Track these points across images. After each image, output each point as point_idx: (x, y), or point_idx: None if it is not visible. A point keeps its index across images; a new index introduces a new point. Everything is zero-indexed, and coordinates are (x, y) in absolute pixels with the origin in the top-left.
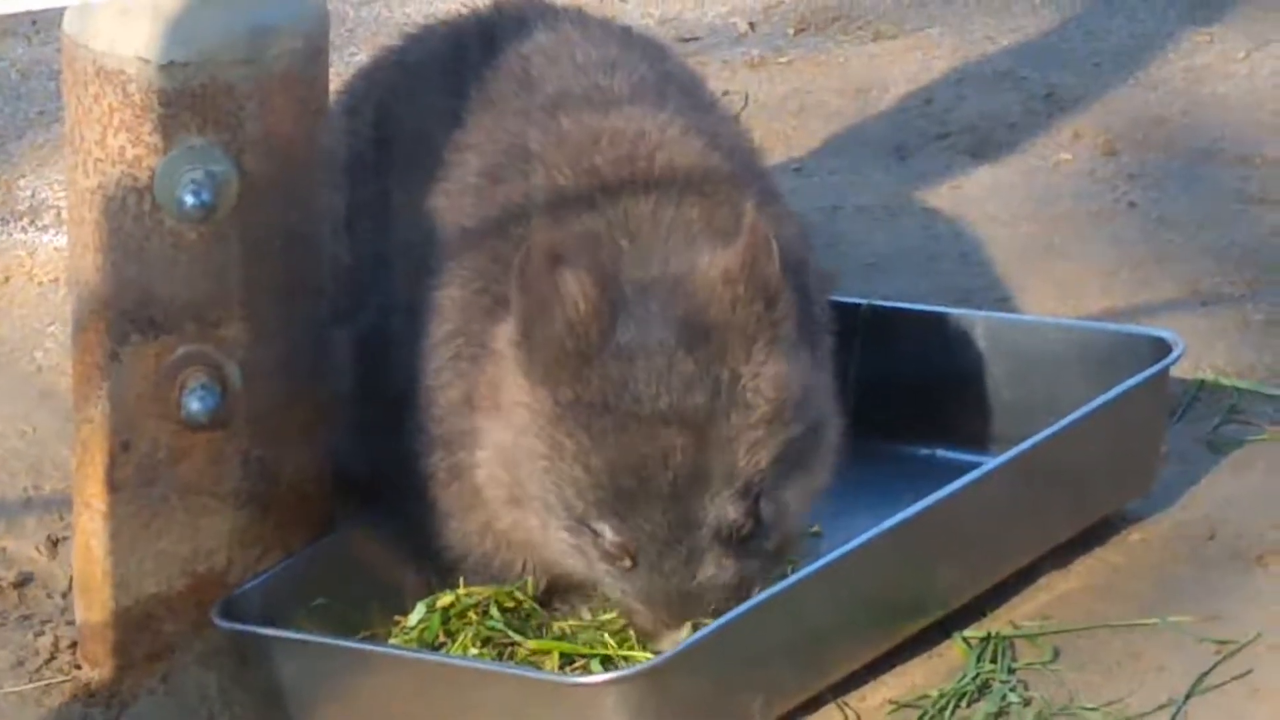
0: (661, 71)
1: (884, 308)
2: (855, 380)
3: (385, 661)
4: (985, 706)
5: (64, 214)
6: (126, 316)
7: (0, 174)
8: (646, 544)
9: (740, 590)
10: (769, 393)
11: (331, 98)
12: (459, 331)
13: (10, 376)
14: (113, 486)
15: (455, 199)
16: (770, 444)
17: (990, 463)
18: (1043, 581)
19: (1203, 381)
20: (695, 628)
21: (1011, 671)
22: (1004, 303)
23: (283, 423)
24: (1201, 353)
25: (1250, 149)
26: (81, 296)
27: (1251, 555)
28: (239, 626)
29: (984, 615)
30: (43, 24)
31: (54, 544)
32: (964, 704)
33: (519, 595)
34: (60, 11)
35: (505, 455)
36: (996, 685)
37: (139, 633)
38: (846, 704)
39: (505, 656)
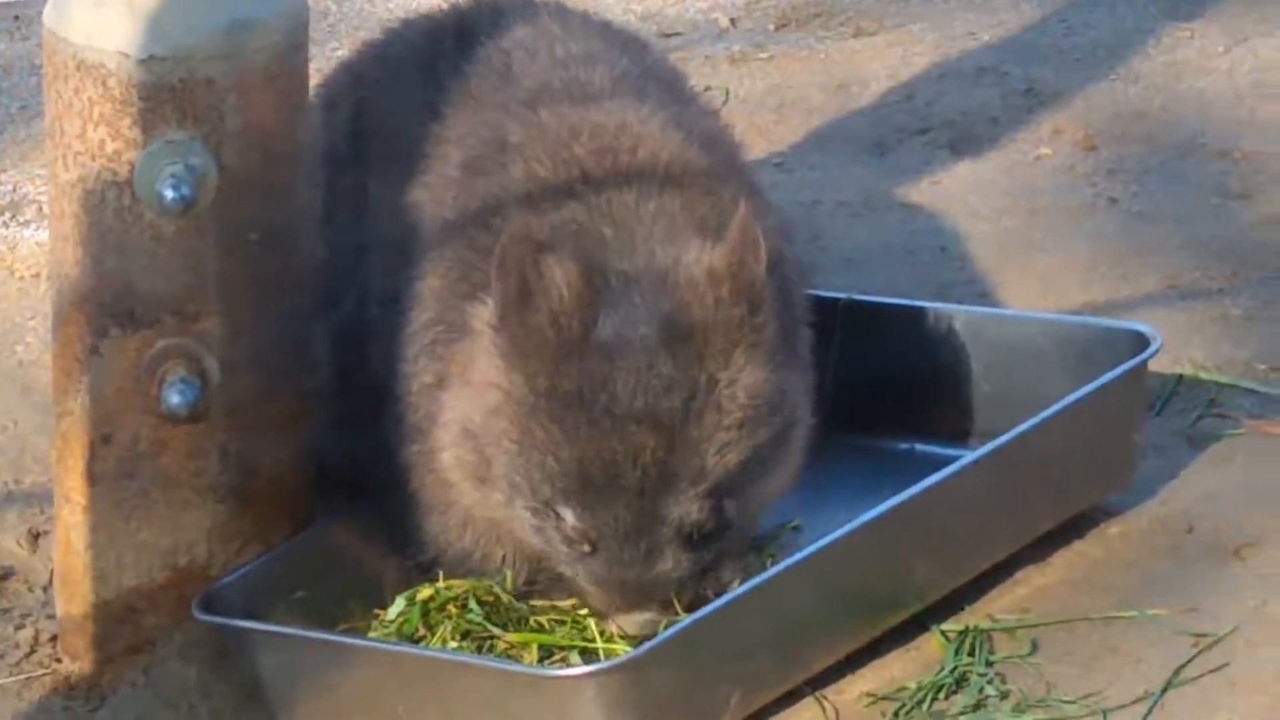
0: (642, 66)
1: (863, 302)
2: (834, 374)
3: (364, 655)
4: (963, 699)
5: (45, 209)
6: (106, 310)
7: None
8: (608, 534)
9: (694, 584)
10: (744, 399)
11: (311, 92)
12: (437, 319)
13: None
14: (93, 480)
15: (436, 191)
16: (740, 447)
17: (969, 456)
18: (1021, 575)
19: (1181, 375)
20: (670, 625)
21: (989, 664)
22: (983, 297)
23: (262, 416)
24: (1180, 347)
25: (1230, 144)
26: (61, 290)
27: (1229, 549)
28: (219, 620)
29: (962, 608)
30: (24, 19)
31: (35, 537)
32: (942, 697)
33: (498, 589)
34: (42, 6)
35: (473, 432)
36: (974, 678)
37: (119, 626)
38: (824, 697)
39: (484, 649)
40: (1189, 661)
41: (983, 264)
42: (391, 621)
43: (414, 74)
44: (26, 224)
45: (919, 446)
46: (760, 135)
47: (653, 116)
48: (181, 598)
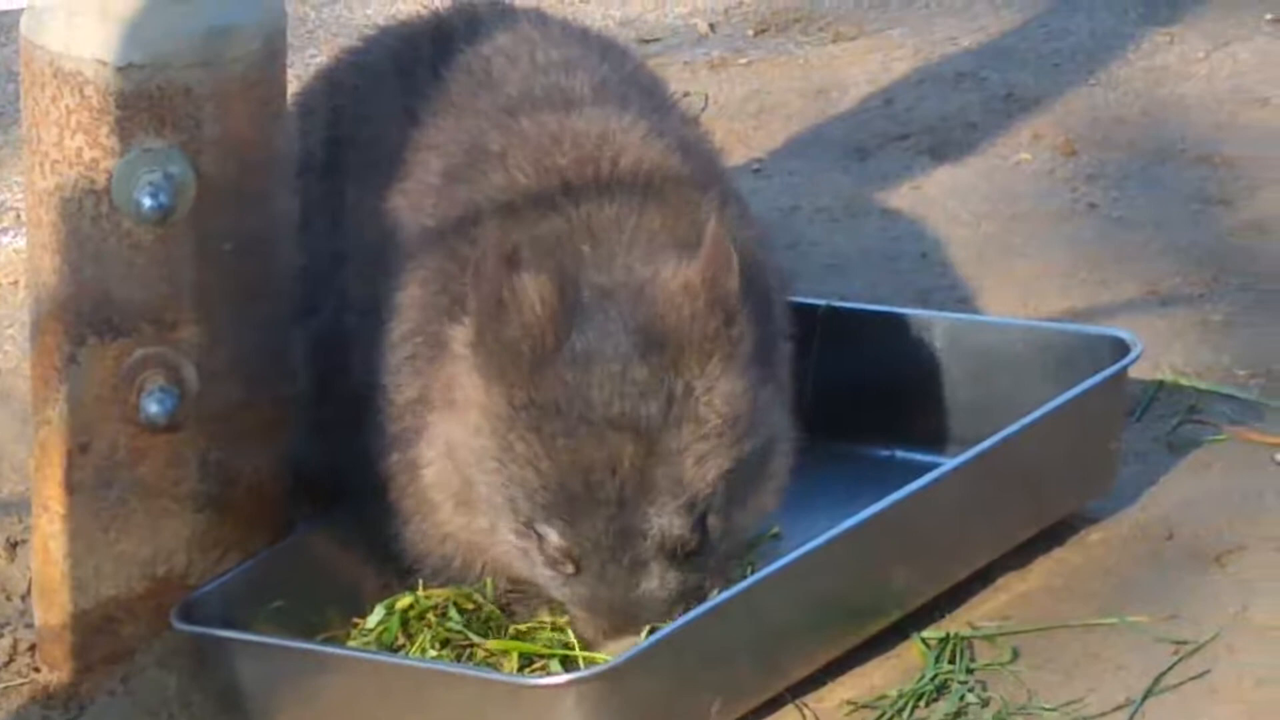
0: (623, 73)
1: (843, 308)
2: (814, 381)
3: (344, 663)
4: (944, 707)
5: (23, 216)
6: (84, 319)
7: None
8: (590, 551)
9: (680, 605)
10: (721, 408)
11: (290, 99)
12: (417, 330)
13: None
14: (71, 489)
15: (415, 199)
16: (719, 460)
17: (949, 463)
18: (1001, 582)
19: (1161, 382)
20: (652, 631)
21: (970, 672)
22: (963, 303)
23: (241, 425)
24: (1160, 353)
25: (1209, 149)
26: (39, 298)
27: (1210, 555)
28: (198, 629)
29: (942, 616)
30: (2, 26)
31: (13, 546)
32: (922, 704)
33: (478, 597)
34: (19, 14)
35: (457, 455)
36: (955, 686)
37: (98, 635)
38: (805, 705)
39: (464, 658)
40: (1170, 668)
41: (963, 269)
42: (371, 630)
43: (393, 81)
44: (4, 232)
45: (899, 453)
46: (739, 141)
47: (634, 125)
48: (160, 607)
